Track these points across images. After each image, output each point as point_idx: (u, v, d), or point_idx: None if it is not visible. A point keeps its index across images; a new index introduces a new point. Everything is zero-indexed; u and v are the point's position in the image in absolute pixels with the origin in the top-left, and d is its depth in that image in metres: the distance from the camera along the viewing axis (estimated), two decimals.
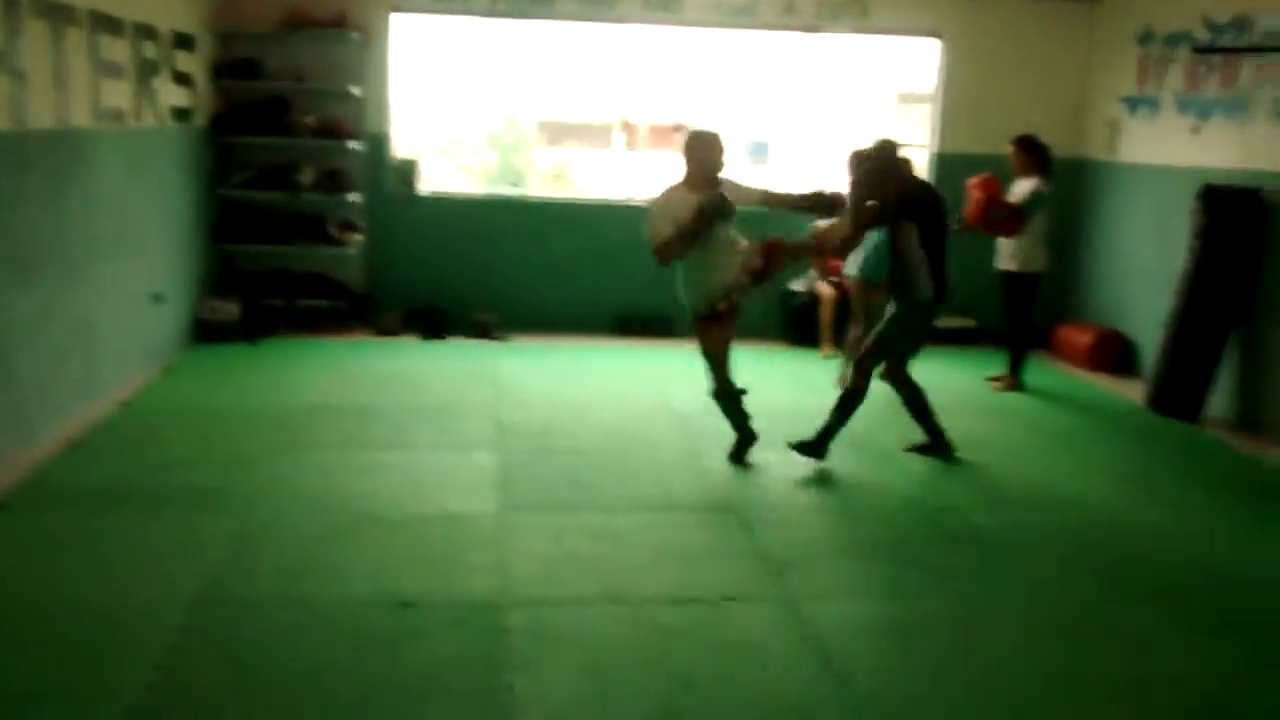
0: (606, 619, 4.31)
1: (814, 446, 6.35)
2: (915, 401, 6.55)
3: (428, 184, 9.98)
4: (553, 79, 11.72)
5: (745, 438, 6.38)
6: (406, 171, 9.57)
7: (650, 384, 8.05)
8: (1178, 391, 7.75)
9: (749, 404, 6.36)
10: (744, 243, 6.13)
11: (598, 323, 9.75)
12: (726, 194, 5.98)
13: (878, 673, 4.03)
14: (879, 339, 6.30)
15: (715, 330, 6.17)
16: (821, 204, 6.21)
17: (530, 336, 9.40)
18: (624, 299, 9.80)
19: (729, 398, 6.30)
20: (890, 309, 6.33)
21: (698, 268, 6.04)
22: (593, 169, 12.77)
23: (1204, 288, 7.65)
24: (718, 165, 6.06)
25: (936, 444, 6.59)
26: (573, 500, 5.63)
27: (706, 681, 3.87)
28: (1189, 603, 4.77)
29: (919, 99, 10.47)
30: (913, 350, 6.45)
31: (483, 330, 9.34)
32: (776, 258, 6.07)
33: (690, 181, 6.05)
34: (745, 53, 10.86)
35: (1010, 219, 7.84)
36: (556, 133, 13.14)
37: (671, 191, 6.06)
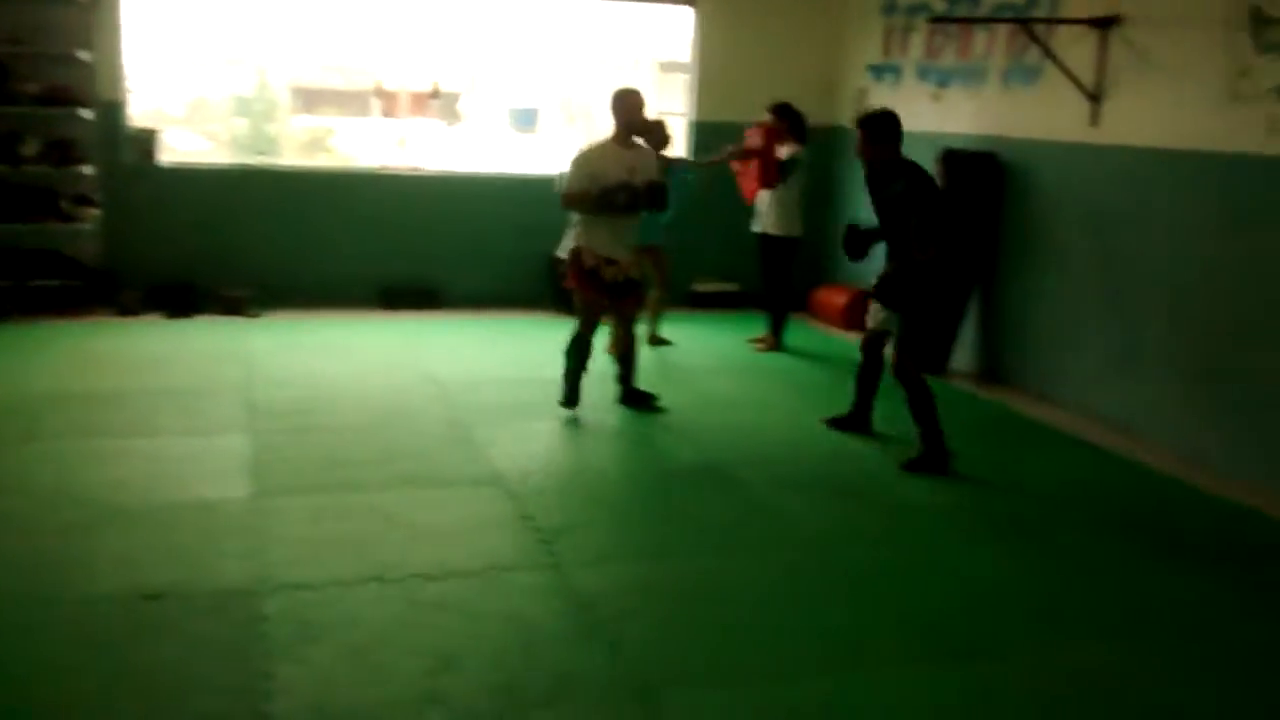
0: (369, 599, 4.17)
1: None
2: (920, 401, 6.06)
3: (170, 154, 9.43)
4: (306, 43, 11.26)
5: (570, 397, 6.56)
6: (145, 141, 8.98)
7: (415, 357, 7.85)
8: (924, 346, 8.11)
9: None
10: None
11: (361, 296, 9.42)
12: (643, 168, 6.32)
13: (646, 637, 4.02)
14: (904, 340, 6.15)
15: (590, 290, 6.43)
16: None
17: (287, 312, 8.98)
18: (388, 271, 9.52)
19: (580, 351, 6.50)
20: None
21: (597, 220, 6.34)
22: (353, 137, 12.34)
23: (946, 247, 8.01)
24: (637, 118, 6.42)
25: (930, 457, 6.00)
26: (332, 480, 5.42)
27: (471, 658, 3.78)
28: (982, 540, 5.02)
29: (678, 68, 10.58)
30: (920, 346, 6.24)
31: (233, 307, 8.89)
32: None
33: (617, 137, 6.39)
34: (507, 19, 10.73)
35: (770, 171, 8.13)
36: (311, 99, 12.63)
37: (600, 146, 6.39)
